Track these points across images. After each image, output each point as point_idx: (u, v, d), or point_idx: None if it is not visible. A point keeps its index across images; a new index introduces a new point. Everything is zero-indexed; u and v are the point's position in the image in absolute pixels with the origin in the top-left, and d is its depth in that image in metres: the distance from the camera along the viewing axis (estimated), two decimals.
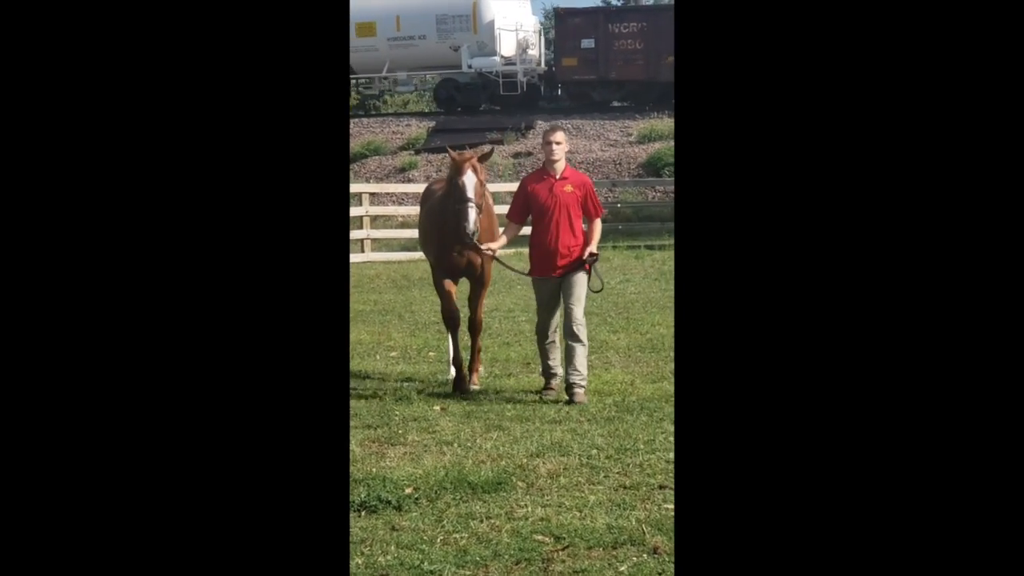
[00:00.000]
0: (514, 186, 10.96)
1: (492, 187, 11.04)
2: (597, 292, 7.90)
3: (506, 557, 4.47)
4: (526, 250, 7.86)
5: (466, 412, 7.22)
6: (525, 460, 5.93)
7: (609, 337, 9.98)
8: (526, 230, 7.95)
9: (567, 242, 7.55)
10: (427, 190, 8.53)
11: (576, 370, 7.45)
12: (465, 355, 8.20)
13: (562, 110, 28.47)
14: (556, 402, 7.47)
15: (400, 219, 19.99)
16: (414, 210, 8.62)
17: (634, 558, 4.44)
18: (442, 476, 5.56)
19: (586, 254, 7.53)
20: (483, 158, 7.74)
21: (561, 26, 27.60)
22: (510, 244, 8.13)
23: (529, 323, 10.41)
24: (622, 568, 4.34)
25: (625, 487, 5.42)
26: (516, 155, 24.83)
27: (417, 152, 25.67)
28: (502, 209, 9.77)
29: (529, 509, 5.09)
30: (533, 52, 28.34)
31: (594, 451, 6.10)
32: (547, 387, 7.67)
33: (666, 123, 24.73)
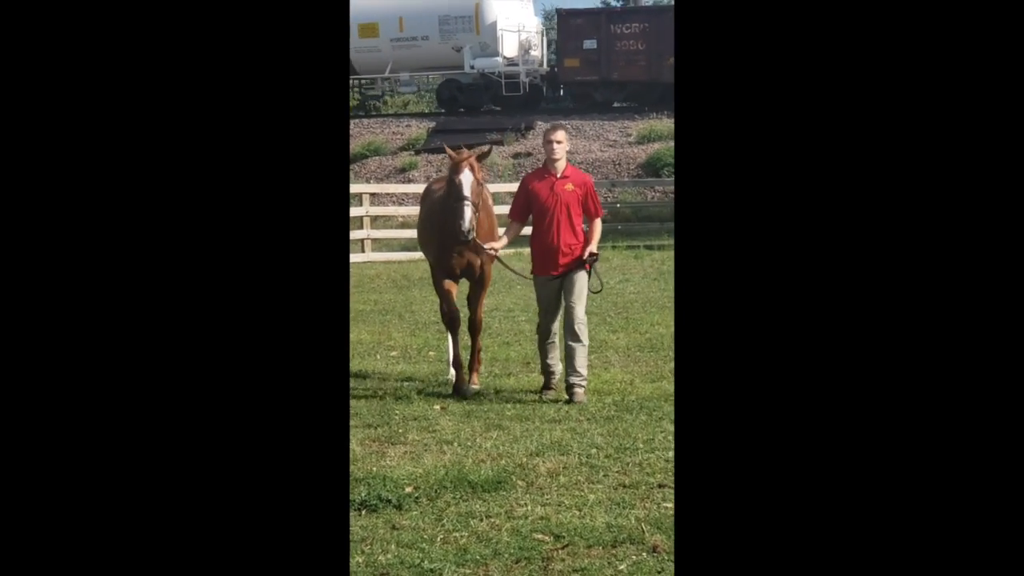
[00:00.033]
0: (514, 186, 10.96)
1: (492, 187, 11.05)
2: (596, 293, 7.90)
3: (506, 556, 4.47)
4: (526, 250, 7.86)
5: (466, 411, 7.22)
6: (525, 459, 5.93)
7: (608, 337, 9.98)
8: (527, 230, 7.94)
9: (568, 240, 7.55)
10: (427, 190, 8.53)
11: (576, 370, 7.45)
12: (465, 355, 8.20)
13: (561, 110, 28.48)
14: (556, 401, 7.46)
15: (400, 219, 19.99)
16: (414, 210, 8.63)
17: (633, 556, 4.44)
18: (442, 475, 5.56)
19: (586, 254, 7.53)
20: (481, 157, 7.74)
21: (563, 27, 27.59)
22: (511, 244, 8.13)
23: (529, 323, 10.40)
24: (621, 566, 4.33)
25: (624, 486, 5.42)
26: (516, 155, 24.83)
27: (417, 153, 25.67)
28: (502, 209, 9.77)
29: (529, 508, 5.09)
30: (535, 53, 28.35)
31: (593, 450, 6.09)
32: (547, 386, 7.67)
33: (665, 124, 24.74)
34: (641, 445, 6.18)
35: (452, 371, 8.00)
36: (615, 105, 27.53)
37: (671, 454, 5.88)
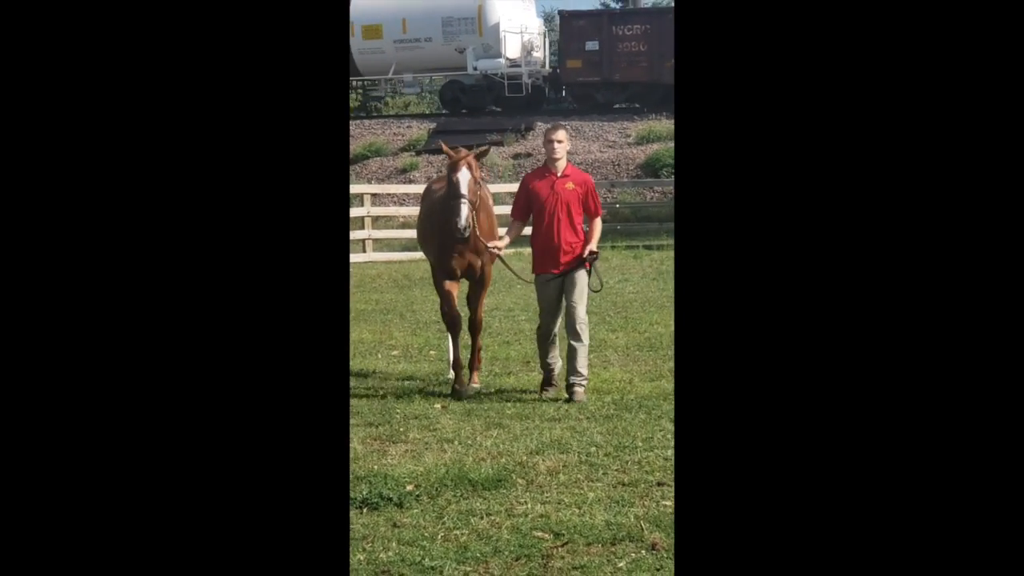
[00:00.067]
0: (514, 187, 10.95)
1: (492, 188, 11.04)
2: (596, 291, 7.90)
3: (506, 553, 4.47)
4: (527, 250, 7.86)
5: (466, 410, 7.22)
6: (525, 457, 5.93)
7: (608, 336, 9.98)
8: (529, 230, 7.94)
9: (568, 239, 7.55)
10: (427, 189, 8.53)
11: (577, 370, 7.46)
12: (465, 354, 8.20)
13: (561, 111, 28.47)
14: (555, 400, 7.47)
15: (401, 219, 19.99)
16: (415, 211, 8.64)
17: (632, 554, 4.44)
18: (443, 473, 5.57)
19: (586, 252, 7.53)
20: (479, 156, 7.74)
21: (565, 28, 27.58)
22: (512, 244, 8.12)
23: (529, 322, 10.41)
24: (621, 564, 4.34)
25: (624, 484, 5.43)
26: (516, 156, 24.82)
27: (418, 153, 25.66)
28: (503, 210, 9.77)
29: (529, 506, 5.09)
30: (538, 54, 28.34)
31: (593, 449, 6.10)
32: (548, 382, 7.66)
33: (664, 125, 24.73)
34: (640, 443, 6.18)
35: (452, 372, 8.00)
36: (617, 106, 27.50)
37: (670, 452, 5.89)
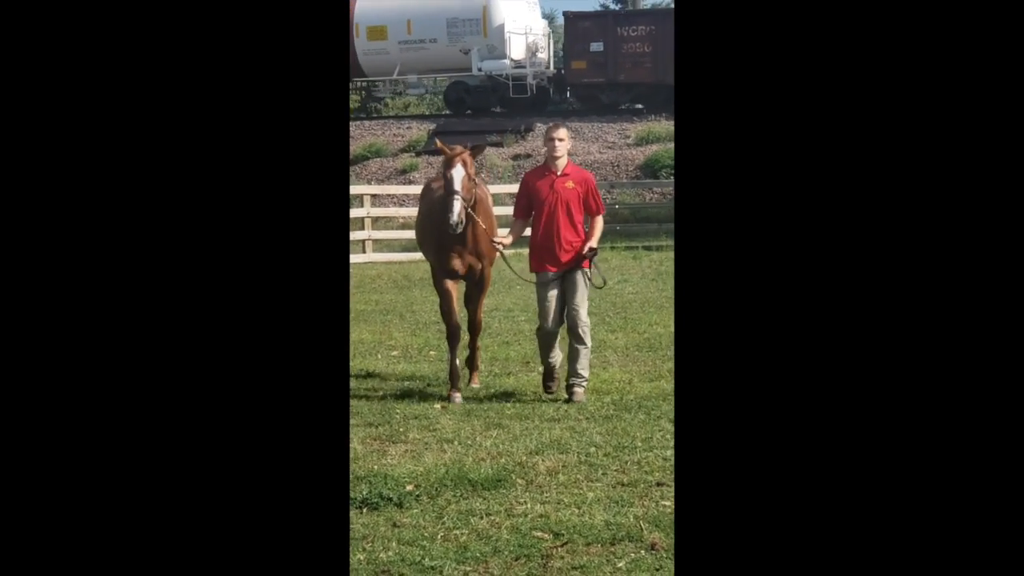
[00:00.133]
0: (514, 187, 10.94)
1: (492, 188, 11.03)
2: (599, 288, 7.87)
3: (506, 553, 4.46)
4: (527, 251, 7.82)
5: (466, 410, 7.21)
6: (524, 458, 5.92)
7: (607, 336, 9.97)
8: (529, 230, 7.91)
9: (568, 237, 7.50)
10: (425, 188, 8.49)
11: (577, 371, 7.44)
12: (465, 354, 8.18)
13: (560, 112, 28.46)
14: (555, 400, 7.46)
15: (401, 220, 19.97)
16: (415, 211, 8.63)
17: (632, 554, 4.43)
18: (443, 473, 5.56)
19: (585, 249, 7.49)
20: (474, 152, 7.73)
21: (570, 29, 27.56)
22: (515, 244, 8.08)
23: (529, 323, 10.40)
24: (620, 564, 4.33)
25: (623, 484, 5.42)
26: (516, 157, 24.82)
27: (418, 154, 25.66)
28: (503, 210, 9.77)
29: (528, 506, 5.08)
30: (542, 55, 28.33)
31: (592, 449, 6.09)
32: (549, 378, 7.61)
33: (663, 126, 24.74)
34: (639, 444, 6.17)
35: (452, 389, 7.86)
36: (623, 107, 27.45)
37: (669, 452, 5.88)
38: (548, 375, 7.65)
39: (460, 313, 8.02)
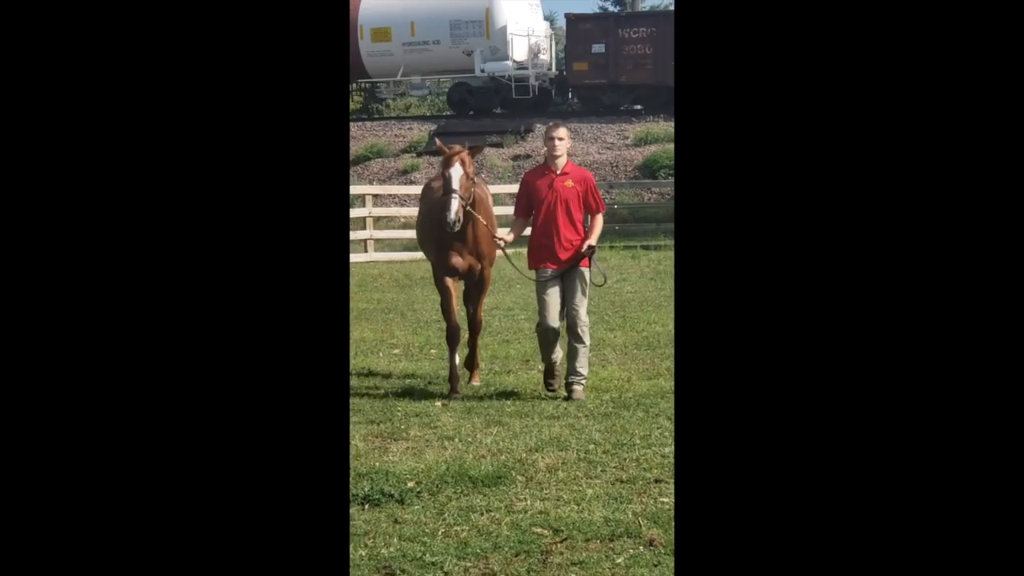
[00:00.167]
0: (514, 188, 10.95)
1: (492, 188, 11.04)
2: (600, 286, 7.86)
3: (506, 549, 4.48)
4: (526, 250, 7.83)
5: (467, 408, 7.22)
6: (524, 455, 5.93)
7: (606, 335, 9.98)
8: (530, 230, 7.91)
9: (568, 236, 7.49)
10: (426, 187, 8.49)
11: (576, 369, 7.45)
12: (465, 352, 8.18)
13: (560, 113, 28.44)
14: (554, 398, 7.46)
15: (402, 220, 19.99)
16: (416, 211, 8.66)
17: (631, 550, 4.44)
18: (443, 470, 5.57)
19: (584, 247, 7.50)
20: (473, 152, 7.74)
21: (572, 31, 27.55)
22: (516, 244, 8.07)
23: (528, 321, 10.41)
24: (619, 560, 4.34)
25: (622, 481, 5.43)
26: (515, 157, 24.82)
27: (419, 155, 25.66)
28: (504, 210, 9.78)
29: (528, 502, 5.09)
30: (545, 57, 28.32)
31: (592, 446, 6.10)
32: (551, 376, 7.60)
33: (662, 127, 24.74)
34: (638, 441, 6.18)
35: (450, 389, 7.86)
36: (623, 108, 27.44)
37: (667, 450, 5.89)
38: (549, 373, 7.65)
39: (460, 312, 8.03)
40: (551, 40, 29.08)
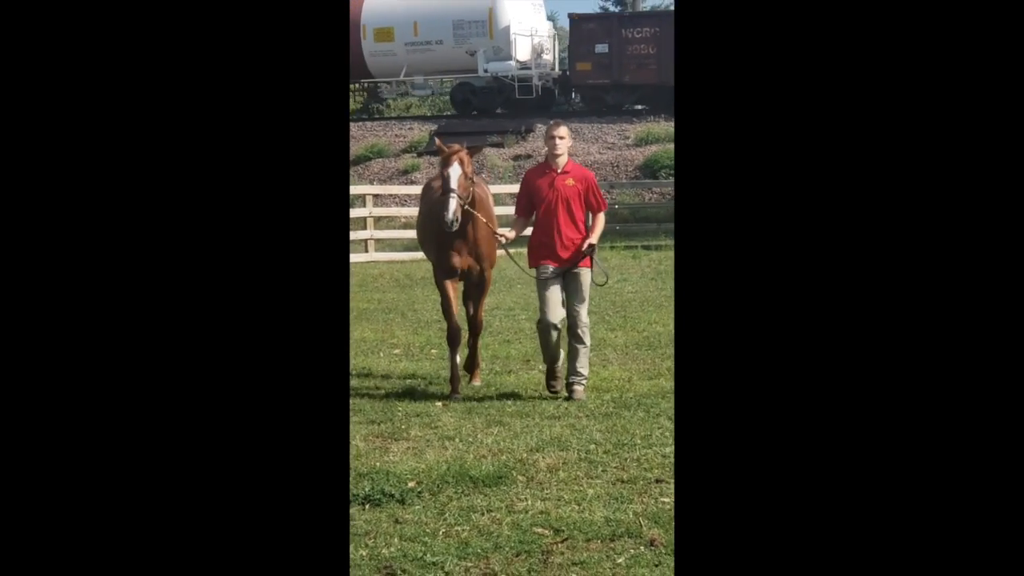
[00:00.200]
0: (514, 188, 10.95)
1: (492, 188, 11.02)
2: (601, 285, 7.85)
3: (507, 549, 4.47)
4: (526, 249, 7.81)
5: (467, 408, 7.21)
6: (525, 455, 5.93)
7: (607, 335, 9.97)
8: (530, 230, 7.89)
9: (569, 234, 7.47)
10: (426, 187, 8.48)
11: (577, 370, 7.44)
12: (465, 352, 8.17)
13: (561, 113, 28.45)
14: (555, 398, 7.45)
15: (403, 220, 19.99)
16: (417, 211, 8.66)
17: (631, 550, 4.43)
18: (444, 470, 5.56)
19: (585, 245, 7.48)
20: (472, 151, 7.73)
21: (575, 31, 27.55)
22: (517, 243, 8.06)
23: (529, 321, 10.40)
24: (620, 560, 4.33)
25: (622, 481, 5.42)
26: (516, 157, 24.83)
27: (419, 155, 25.67)
28: (504, 210, 9.77)
29: (529, 502, 5.09)
30: (548, 57, 28.33)
31: (592, 446, 6.09)
32: (552, 376, 7.57)
33: (662, 127, 24.74)
34: (639, 441, 6.17)
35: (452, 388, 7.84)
36: (626, 108, 27.44)
37: (668, 450, 5.88)
38: (551, 374, 7.62)
39: (460, 312, 8.01)
40: (554, 40, 29.10)
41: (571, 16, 28.01)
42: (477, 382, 8.04)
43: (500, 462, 5.75)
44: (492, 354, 9.13)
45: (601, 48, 26.68)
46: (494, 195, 9.30)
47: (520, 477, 5.51)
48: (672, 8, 31.20)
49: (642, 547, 4.46)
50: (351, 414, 6.93)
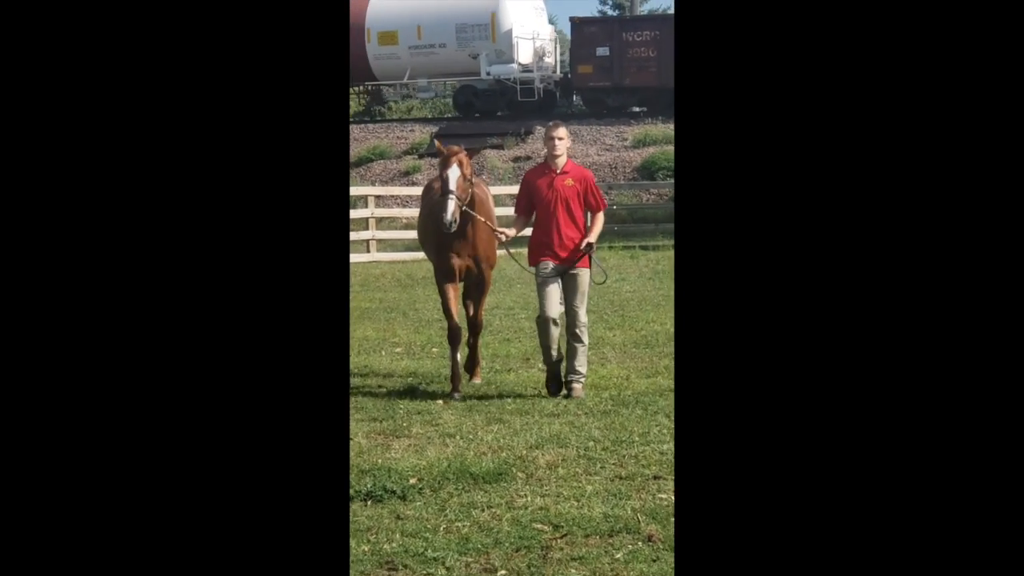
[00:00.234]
0: (513, 189, 10.95)
1: (492, 190, 11.03)
2: (600, 284, 7.85)
3: (507, 545, 4.47)
4: (526, 250, 7.82)
5: (468, 406, 7.22)
6: (525, 452, 5.93)
7: (605, 334, 9.97)
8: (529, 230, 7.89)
9: (568, 234, 7.47)
10: (426, 188, 8.47)
11: (575, 369, 7.44)
12: (465, 352, 8.17)
13: (560, 116, 28.44)
14: (555, 393, 7.45)
15: (404, 220, 19.99)
16: (418, 212, 8.68)
17: (629, 545, 4.44)
18: (445, 467, 5.56)
19: (583, 244, 7.48)
20: (471, 152, 7.73)
21: (577, 34, 27.56)
22: (518, 243, 8.06)
23: (529, 320, 10.40)
24: (618, 555, 4.34)
25: (621, 477, 5.42)
26: (516, 159, 24.83)
27: (420, 156, 25.67)
28: (504, 211, 9.78)
29: (529, 499, 5.09)
30: (549, 60, 28.33)
31: (591, 443, 6.09)
32: (552, 382, 7.56)
33: (660, 129, 24.75)
34: (637, 438, 6.18)
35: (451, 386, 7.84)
36: (627, 111, 27.44)
37: (666, 447, 5.89)
38: (550, 378, 7.61)
39: (460, 313, 8.00)
40: (555, 43, 29.10)
41: (572, 20, 28.02)
42: (477, 380, 8.04)
43: (500, 459, 5.76)
44: (492, 352, 9.13)
45: (602, 51, 26.69)
46: (494, 196, 9.30)
47: (520, 474, 5.51)
48: (672, 12, 31.21)
49: (640, 542, 4.46)
50: (353, 412, 6.93)
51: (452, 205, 7.33)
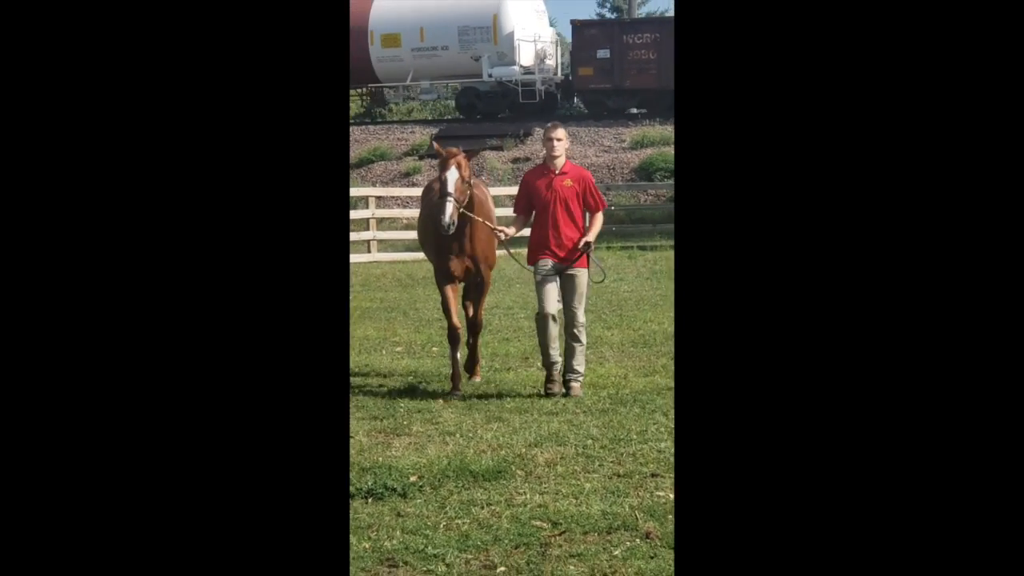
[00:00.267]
0: (513, 190, 10.95)
1: (492, 190, 11.02)
2: (599, 283, 7.84)
3: (506, 542, 4.47)
4: (526, 250, 7.81)
5: (467, 404, 7.22)
6: (524, 450, 5.93)
7: (603, 333, 9.97)
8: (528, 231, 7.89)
9: (568, 234, 7.47)
10: (426, 189, 8.46)
11: (574, 368, 7.44)
12: (465, 352, 8.17)
13: (559, 117, 28.46)
14: (553, 395, 7.45)
15: (405, 221, 20.00)
16: (418, 212, 8.68)
17: (627, 543, 4.44)
18: (445, 465, 5.56)
19: (581, 243, 7.48)
20: (470, 154, 7.73)
21: (578, 37, 27.58)
22: (517, 243, 8.05)
23: (528, 320, 10.40)
24: (616, 552, 4.33)
25: (619, 475, 5.42)
26: (515, 160, 24.83)
27: (421, 158, 25.68)
28: (504, 211, 9.77)
29: (528, 496, 5.09)
30: (551, 62, 28.35)
31: (589, 441, 6.09)
32: (550, 379, 7.55)
33: (657, 130, 24.76)
34: (635, 436, 6.18)
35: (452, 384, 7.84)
36: (628, 112, 27.44)
37: (663, 445, 5.89)
38: (549, 379, 7.60)
39: (460, 313, 7.99)
40: (557, 46, 29.12)
41: (573, 22, 28.04)
42: (477, 379, 8.04)
43: (499, 457, 5.75)
44: (491, 352, 9.13)
45: (603, 53, 26.71)
46: (493, 197, 9.30)
47: (519, 471, 5.51)
48: (671, 14, 31.23)
49: (638, 539, 4.46)
50: (354, 410, 6.93)
51: (450, 207, 7.32)
